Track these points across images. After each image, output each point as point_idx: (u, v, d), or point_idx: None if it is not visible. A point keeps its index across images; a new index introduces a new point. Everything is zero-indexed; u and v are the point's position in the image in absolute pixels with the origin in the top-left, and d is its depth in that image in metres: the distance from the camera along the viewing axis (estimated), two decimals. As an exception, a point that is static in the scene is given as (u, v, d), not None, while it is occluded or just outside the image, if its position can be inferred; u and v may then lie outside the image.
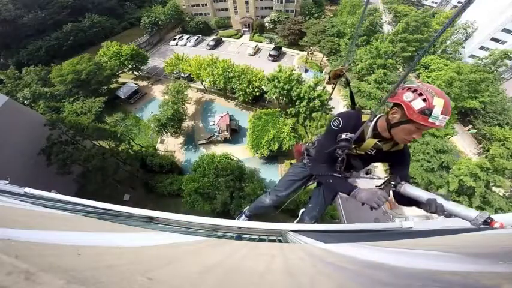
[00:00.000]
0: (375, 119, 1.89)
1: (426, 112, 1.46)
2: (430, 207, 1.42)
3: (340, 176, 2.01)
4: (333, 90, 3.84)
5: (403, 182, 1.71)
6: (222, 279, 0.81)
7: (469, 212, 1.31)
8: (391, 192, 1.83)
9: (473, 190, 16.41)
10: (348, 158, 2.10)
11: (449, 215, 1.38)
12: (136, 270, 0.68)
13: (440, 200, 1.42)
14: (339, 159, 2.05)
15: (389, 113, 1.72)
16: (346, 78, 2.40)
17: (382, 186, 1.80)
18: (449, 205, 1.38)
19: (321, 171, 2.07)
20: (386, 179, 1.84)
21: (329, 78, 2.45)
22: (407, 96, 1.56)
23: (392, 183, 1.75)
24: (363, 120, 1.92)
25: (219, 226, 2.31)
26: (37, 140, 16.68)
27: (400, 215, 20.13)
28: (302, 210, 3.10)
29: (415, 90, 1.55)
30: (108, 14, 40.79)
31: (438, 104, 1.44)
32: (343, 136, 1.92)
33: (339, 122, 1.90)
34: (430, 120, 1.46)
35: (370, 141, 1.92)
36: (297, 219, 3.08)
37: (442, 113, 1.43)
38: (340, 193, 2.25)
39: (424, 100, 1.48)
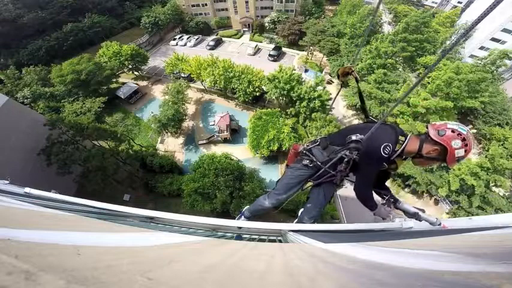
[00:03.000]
0: (406, 142, 1.97)
1: (461, 160, 1.77)
2: (413, 216, 2.20)
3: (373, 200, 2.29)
4: (339, 90, 3.87)
5: (401, 201, 2.41)
6: (222, 279, 0.81)
7: (432, 218, 2.05)
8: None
9: (473, 190, 16.42)
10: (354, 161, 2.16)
11: (421, 220, 2.11)
12: (137, 270, 0.68)
13: (420, 213, 2.15)
14: (346, 160, 2.12)
15: (428, 149, 1.87)
16: (356, 77, 2.44)
17: (385, 203, 2.37)
18: (423, 216, 2.13)
19: (369, 195, 2.22)
20: (387, 198, 2.41)
21: (338, 76, 2.51)
22: (456, 144, 1.74)
23: (392, 200, 2.41)
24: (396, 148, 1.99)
25: (219, 226, 2.31)
26: (37, 140, 16.69)
27: (400, 215, 20.13)
28: (301, 210, 3.08)
29: (463, 139, 1.73)
30: (108, 14, 40.81)
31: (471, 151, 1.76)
32: (353, 138, 2.02)
33: (390, 149, 1.90)
34: (458, 163, 1.91)
35: (400, 162, 2.12)
36: (296, 220, 3.07)
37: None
38: (337, 193, 2.47)
39: (465, 151, 1.73)
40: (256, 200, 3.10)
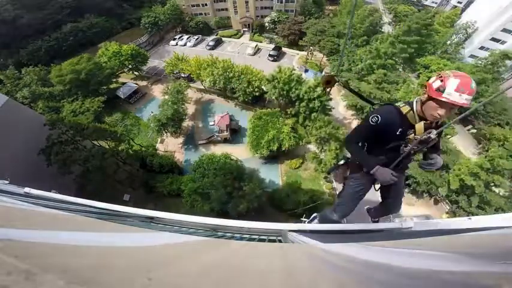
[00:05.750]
0: (414, 105, 2.11)
1: (440, 89, 1.78)
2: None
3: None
4: (326, 93, 3.97)
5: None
6: (222, 279, 0.81)
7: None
8: None
9: (473, 190, 16.42)
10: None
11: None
12: (137, 270, 0.68)
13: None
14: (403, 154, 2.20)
15: (422, 95, 2.06)
16: (344, 86, 2.56)
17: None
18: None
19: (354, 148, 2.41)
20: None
21: (323, 87, 2.66)
22: (432, 79, 1.92)
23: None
24: (404, 112, 2.13)
25: (219, 226, 2.31)
26: (37, 140, 16.68)
27: (402, 217, 20.14)
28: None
29: (440, 75, 1.86)
30: (107, 15, 40.76)
31: (451, 82, 1.73)
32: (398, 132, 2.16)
33: (378, 118, 2.10)
34: (443, 95, 1.77)
35: (419, 125, 2.09)
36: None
37: (455, 90, 1.71)
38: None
39: (441, 80, 1.80)
40: (322, 213, 3.34)
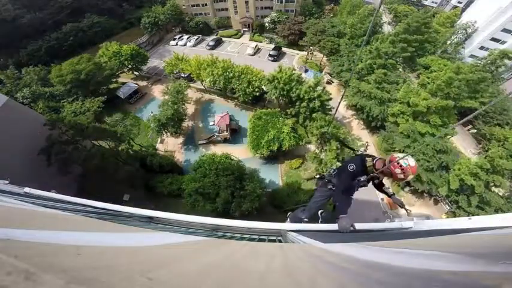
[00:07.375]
0: (374, 162, 3.16)
1: (403, 179, 2.85)
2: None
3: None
4: (341, 99, 4.09)
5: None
6: (222, 279, 0.81)
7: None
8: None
9: (472, 190, 16.41)
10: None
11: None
12: (136, 270, 0.68)
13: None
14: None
15: (386, 168, 2.91)
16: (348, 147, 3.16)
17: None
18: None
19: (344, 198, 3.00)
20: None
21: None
22: (397, 171, 2.79)
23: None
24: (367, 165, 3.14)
25: (219, 226, 2.31)
26: (37, 140, 16.68)
27: (400, 215, 20.13)
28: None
29: (402, 169, 2.74)
30: (107, 15, 40.78)
31: (409, 176, 2.78)
32: (362, 179, 3.15)
33: (353, 166, 3.12)
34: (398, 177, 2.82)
35: (383, 175, 3.18)
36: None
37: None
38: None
39: (404, 174, 2.76)
40: (295, 212, 4.34)
